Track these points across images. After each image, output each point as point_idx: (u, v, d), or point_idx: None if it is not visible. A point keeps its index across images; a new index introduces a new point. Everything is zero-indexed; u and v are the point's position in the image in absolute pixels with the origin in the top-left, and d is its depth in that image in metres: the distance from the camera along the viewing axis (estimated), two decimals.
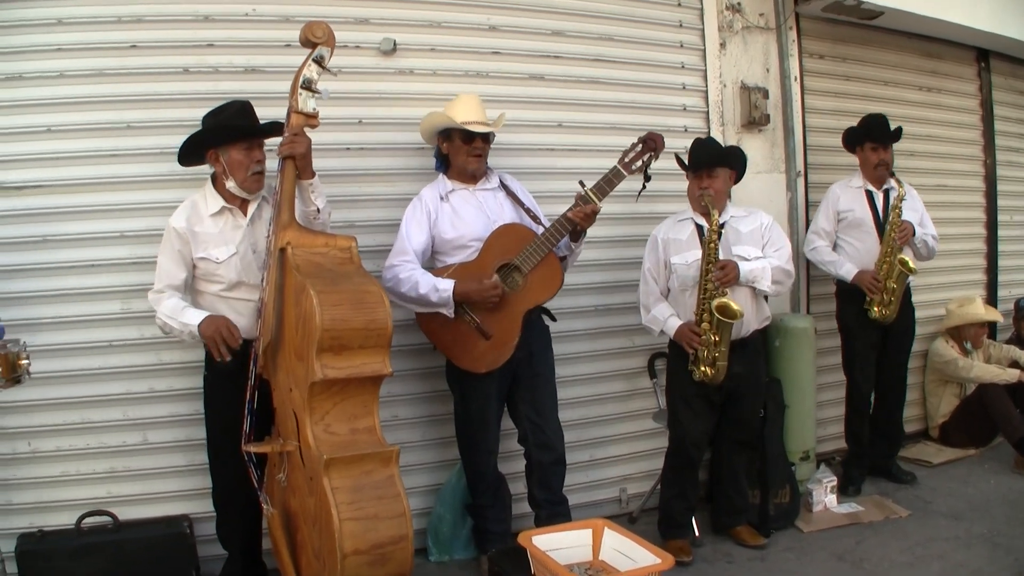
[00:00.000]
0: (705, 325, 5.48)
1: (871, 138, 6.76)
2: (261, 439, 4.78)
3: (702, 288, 5.47)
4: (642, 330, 6.16)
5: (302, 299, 4.26)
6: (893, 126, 6.70)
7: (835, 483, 6.56)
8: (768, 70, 7.37)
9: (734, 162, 5.83)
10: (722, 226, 5.62)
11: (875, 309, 6.58)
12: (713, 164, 5.68)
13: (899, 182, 6.54)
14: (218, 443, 4.93)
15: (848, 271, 6.67)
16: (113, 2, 5.45)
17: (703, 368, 5.57)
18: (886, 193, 6.76)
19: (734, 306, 5.37)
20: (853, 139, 6.92)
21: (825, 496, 6.50)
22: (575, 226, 5.23)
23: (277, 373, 4.62)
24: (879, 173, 6.75)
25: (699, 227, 5.69)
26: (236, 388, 4.60)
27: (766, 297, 5.82)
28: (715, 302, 5.39)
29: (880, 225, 6.68)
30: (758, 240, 5.66)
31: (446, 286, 5.13)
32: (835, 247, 6.90)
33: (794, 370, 6.72)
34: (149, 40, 5.50)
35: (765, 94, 7.18)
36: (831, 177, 7.29)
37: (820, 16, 7.50)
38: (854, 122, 6.99)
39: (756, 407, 5.97)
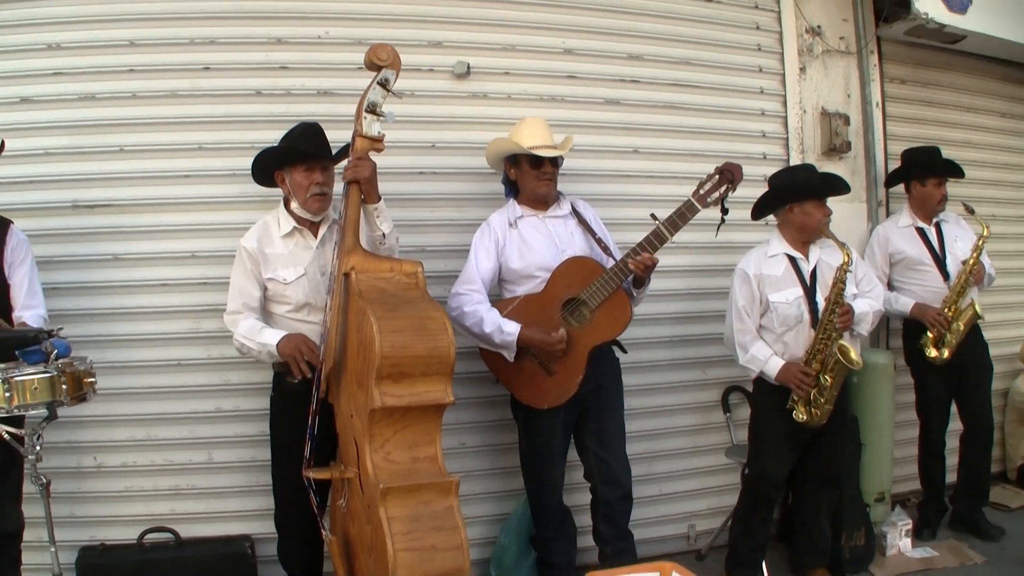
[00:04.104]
0: (816, 366, 5.30)
1: (936, 172, 6.46)
2: (326, 463, 4.75)
3: (823, 329, 5.28)
4: (717, 363, 6.17)
5: (363, 325, 4.21)
6: (972, 154, 6.68)
7: (910, 526, 6.32)
8: (849, 95, 7.17)
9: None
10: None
11: (931, 349, 6.31)
12: (836, 191, 5.51)
13: (978, 219, 6.26)
14: (282, 465, 4.89)
15: (904, 304, 6.40)
16: (186, 24, 5.49)
17: (808, 409, 5.38)
18: (938, 227, 6.50)
19: (853, 354, 5.19)
20: (910, 174, 6.58)
21: (900, 540, 6.27)
22: (634, 275, 5.11)
23: (340, 398, 4.58)
24: (939, 209, 6.50)
25: (793, 261, 5.48)
26: (303, 411, 4.55)
27: None
28: (837, 345, 5.22)
29: (939, 261, 6.40)
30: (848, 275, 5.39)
31: (511, 329, 5.04)
32: (890, 288, 6.60)
33: (872, 408, 6.46)
34: (222, 62, 5.52)
35: (846, 120, 7.00)
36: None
37: (902, 40, 7.29)
38: (941, 149, 6.71)
39: (844, 443, 5.75)
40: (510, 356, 5.09)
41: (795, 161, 6.75)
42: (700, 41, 6.62)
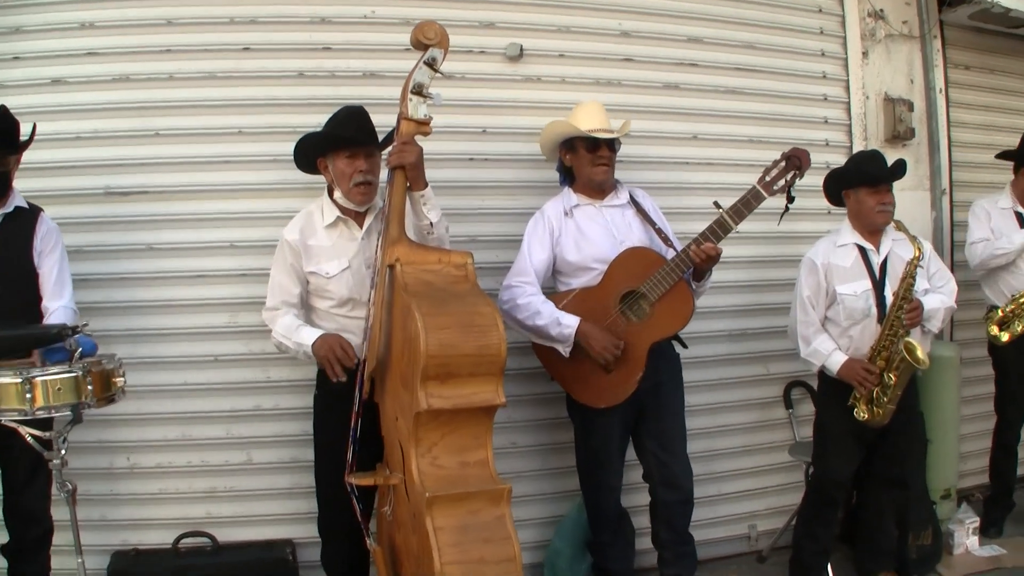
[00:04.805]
0: (881, 363, 5.08)
1: None
2: (372, 467, 4.55)
3: (889, 325, 5.07)
4: (779, 357, 6.11)
5: (408, 321, 3.97)
6: None
7: (977, 524, 6.17)
8: (912, 81, 6.99)
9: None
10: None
11: (996, 330, 6.15)
12: (897, 176, 5.29)
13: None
14: (325, 468, 4.68)
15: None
16: (226, 2, 5.37)
17: (870, 407, 5.17)
18: None
19: (920, 352, 4.94)
20: None
21: (967, 538, 6.11)
22: (695, 266, 4.87)
23: (385, 399, 4.39)
24: None
25: (863, 251, 5.28)
26: (348, 410, 4.35)
27: None
28: (903, 342, 5.00)
29: None
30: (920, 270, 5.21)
31: (570, 322, 4.85)
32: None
33: (938, 403, 6.22)
34: (263, 43, 5.40)
35: (910, 106, 6.81)
36: (977, 196, 6.74)
37: (966, 25, 7.10)
38: (1004, 137, 6.72)
39: (911, 443, 5.55)
40: (566, 351, 4.89)
41: (859, 148, 6.54)
42: (761, 24, 6.44)
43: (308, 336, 4.47)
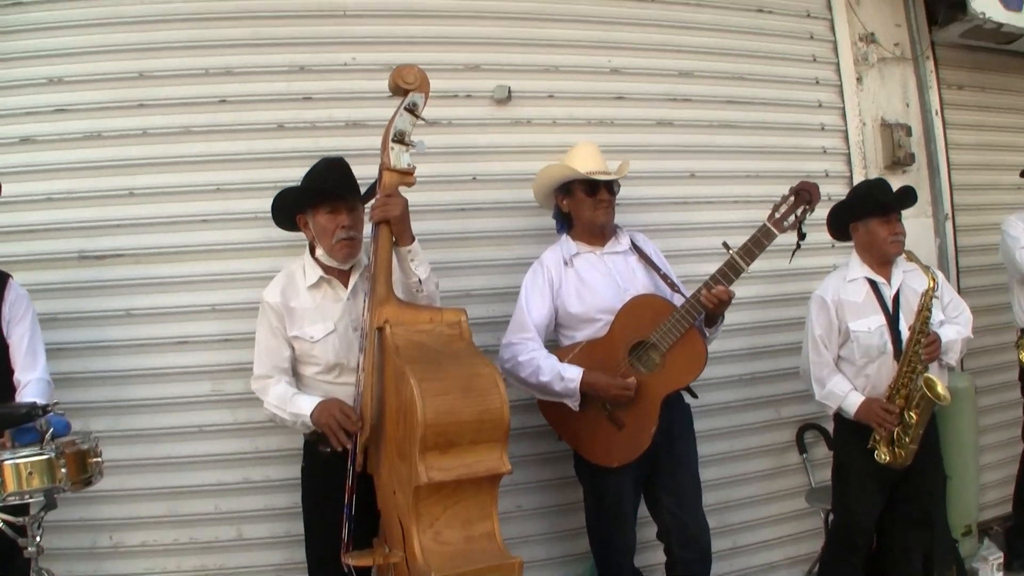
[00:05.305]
0: (900, 402, 4.94)
1: None
2: (367, 542, 4.31)
3: (907, 361, 4.93)
4: (791, 399, 6.02)
5: (402, 388, 3.73)
6: None
7: (1002, 560, 6.07)
8: (908, 104, 6.89)
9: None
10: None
11: None
12: (908, 203, 5.22)
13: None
14: (317, 545, 4.43)
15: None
16: (200, 53, 5.25)
17: (892, 449, 5.02)
18: None
19: (941, 388, 4.84)
20: None
21: (993, 574, 6.03)
22: (707, 311, 4.72)
23: (380, 471, 4.15)
24: None
25: (874, 286, 5.17)
26: (339, 482, 4.12)
27: None
28: (922, 378, 4.89)
29: None
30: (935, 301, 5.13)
31: (573, 375, 4.65)
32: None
33: (955, 437, 6.08)
34: (240, 94, 5.28)
35: (908, 131, 6.71)
36: (981, 218, 6.95)
37: (957, 43, 7.07)
38: (1001, 156, 6.83)
39: (935, 482, 5.42)
40: (574, 405, 4.71)
41: (859, 178, 6.48)
42: (753, 54, 6.37)
43: (306, 405, 4.22)
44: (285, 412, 4.26)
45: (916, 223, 6.49)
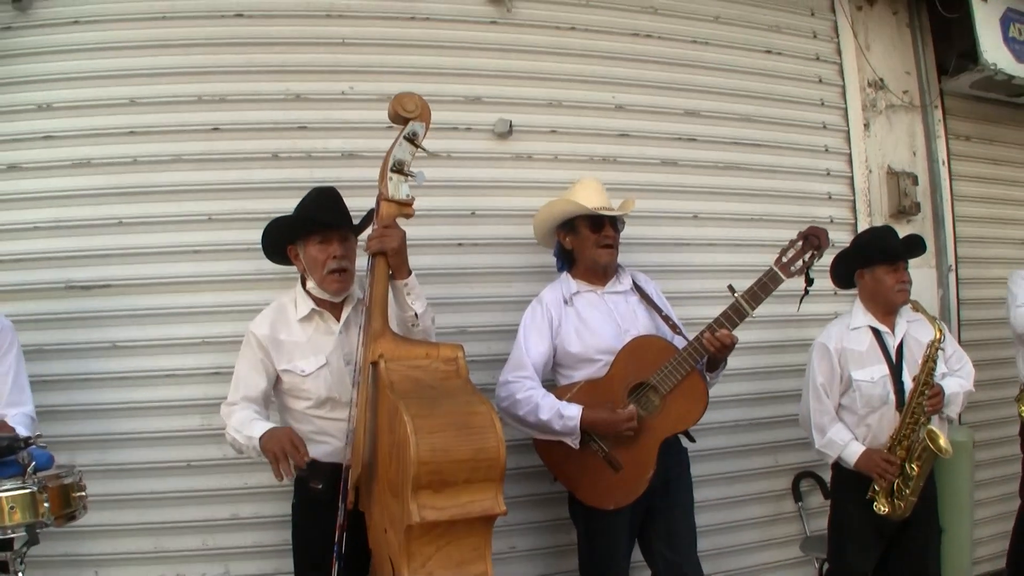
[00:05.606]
0: (901, 453, 4.89)
1: None
2: None
3: (910, 412, 4.85)
4: (789, 447, 5.98)
5: (395, 424, 3.64)
6: None
7: None
8: (915, 153, 6.87)
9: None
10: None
11: None
12: (916, 252, 5.17)
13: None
14: None
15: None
16: (193, 79, 5.23)
17: (891, 500, 4.96)
18: None
19: (943, 441, 4.79)
20: None
21: None
22: (709, 355, 4.65)
23: (372, 509, 4.05)
24: None
25: (878, 334, 5.11)
26: (331, 520, 4.01)
27: None
28: (925, 430, 4.83)
29: None
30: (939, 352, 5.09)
31: (572, 413, 4.56)
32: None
33: (951, 490, 6.01)
34: (234, 122, 5.24)
35: (914, 180, 6.69)
36: (984, 271, 6.93)
37: (966, 94, 7.05)
38: (1005, 210, 6.87)
39: (932, 535, 5.38)
40: (574, 443, 4.61)
41: (864, 225, 6.45)
42: (760, 95, 6.36)
43: (258, 429, 4.07)
44: (241, 436, 4.12)
45: (919, 273, 6.36)
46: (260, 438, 4.01)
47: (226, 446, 4.72)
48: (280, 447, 3.92)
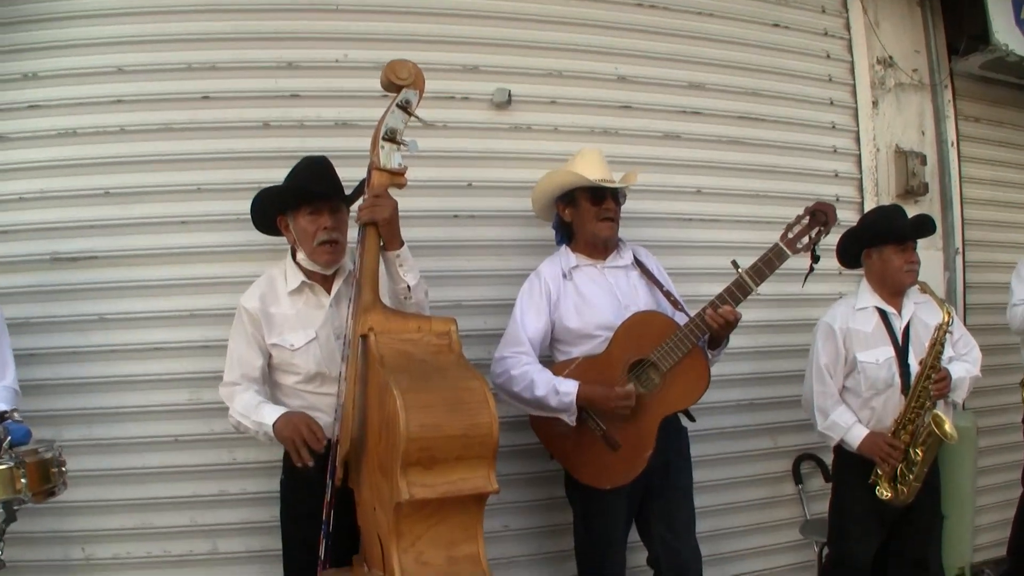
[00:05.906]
0: (906, 437, 4.82)
1: None
2: (348, 560, 4.12)
3: (915, 396, 4.78)
4: (789, 429, 5.95)
5: (385, 399, 3.54)
6: None
7: None
8: (923, 133, 6.79)
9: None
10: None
11: None
12: (926, 232, 5.14)
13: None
14: (295, 561, 4.27)
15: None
16: (183, 47, 5.14)
17: (894, 485, 4.90)
18: None
19: (948, 426, 4.72)
20: None
21: None
22: (711, 332, 4.58)
23: (361, 487, 3.97)
24: None
25: (884, 316, 5.05)
26: (319, 497, 3.94)
27: None
28: (930, 415, 4.77)
29: None
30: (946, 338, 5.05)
31: (568, 388, 4.48)
32: None
33: (953, 477, 5.94)
34: (224, 90, 5.16)
35: (923, 160, 6.61)
36: (992, 255, 6.92)
37: (976, 75, 6.99)
38: (1015, 194, 6.83)
39: (934, 522, 5.31)
40: (571, 420, 4.53)
41: (871, 204, 6.39)
42: (767, 69, 6.27)
43: (269, 415, 4.02)
44: (249, 420, 4.08)
45: (925, 255, 6.22)
46: (274, 424, 3.97)
47: (214, 421, 4.90)
48: (298, 434, 3.90)
